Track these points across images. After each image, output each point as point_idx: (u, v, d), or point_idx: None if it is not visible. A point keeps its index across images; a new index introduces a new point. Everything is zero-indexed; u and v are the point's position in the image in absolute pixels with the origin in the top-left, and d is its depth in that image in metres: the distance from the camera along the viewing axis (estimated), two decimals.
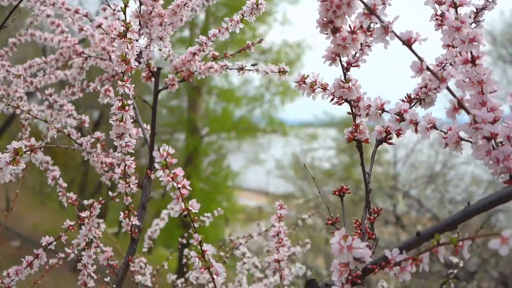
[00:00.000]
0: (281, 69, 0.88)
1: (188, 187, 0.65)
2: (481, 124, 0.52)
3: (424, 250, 0.51)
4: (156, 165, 0.63)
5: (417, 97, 0.71)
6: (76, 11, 1.12)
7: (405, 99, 0.71)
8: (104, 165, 1.06)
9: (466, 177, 7.90)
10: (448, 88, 0.53)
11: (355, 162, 9.88)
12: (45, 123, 1.04)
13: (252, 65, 1.00)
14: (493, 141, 0.55)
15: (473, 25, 0.75)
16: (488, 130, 0.52)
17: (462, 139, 0.56)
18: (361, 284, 0.59)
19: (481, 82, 0.55)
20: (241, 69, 1.01)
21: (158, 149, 0.63)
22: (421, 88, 0.71)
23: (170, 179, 0.64)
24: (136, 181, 0.93)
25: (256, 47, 1.00)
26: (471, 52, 0.55)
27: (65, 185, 1.14)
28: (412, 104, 0.71)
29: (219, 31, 0.97)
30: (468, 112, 0.53)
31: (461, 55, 0.57)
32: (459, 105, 0.53)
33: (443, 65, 0.71)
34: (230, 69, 1.03)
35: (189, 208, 0.66)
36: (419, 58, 0.52)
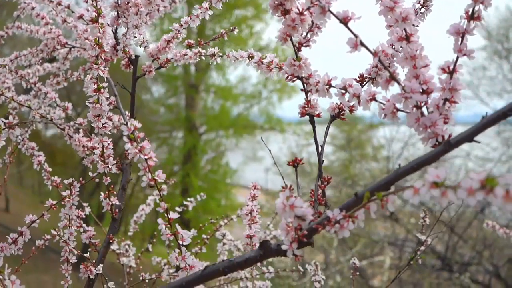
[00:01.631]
0: (250, 55, 0.93)
1: (155, 159, 0.71)
2: (410, 93, 0.57)
3: (359, 207, 0.56)
4: (125, 138, 0.69)
5: (369, 76, 0.76)
6: (59, 3, 1.17)
7: (358, 78, 0.77)
8: (85, 149, 1.11)
9: (461, 172, 7.98)
10: (380, 61, 0.58)
11: (352, 158, 9.95)
12: (31, 110, 1.10)
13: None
14: (425, 109, 0.60)
15: (423, 9, 0.80)
16: (417, 99, 0.58)
17: (398, 109, 0.62)
18: (308, 244, 0.64)
19: (414, 57, 0.60)
20: (213, 55, 1.06)
21: (126, 124, 0.69)
22: (372, 67, 0.76)
23: (138, 151, 0.69)
24: (115, 162, 0.99)
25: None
26: (405, 30, 0.61)
27: (50, 169, 1.19)
28: (365, 82, 0.76)
29: (190, 18, 1.03)
30: (399, 83, 0.59)
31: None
32: (391, 77, 0.58)
33: (393, 46, 0.77)
34: (203, 55, 1.08)
35: (156, 178, 0.71)
36: (355, 34, 0.58)
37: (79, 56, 1.33)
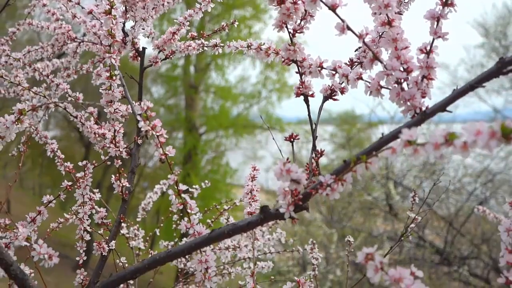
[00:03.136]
0: (249, 44, 1.01)
1: (165, 136, 0.78)
2: (391, 71, 0.65)
3: (347, 170, 0.64)
4: (138, 117, 0.76)
5: (358, 60, 0.84)
6: (69, 0, 1.25)
7: (348, 62, 0.84)
8: (97, 136, 1.19)
9: (460, 168, 8.07)
10: (364, 43, 0.66)
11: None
12: (45, 99, 1.17)
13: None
14: (406, 86, 0.68)
15: None
16: (397, 76, 0.65)
17: (381, 86, 0.70)
18: (303, 208, 0.72)
19: (395, 40, 0.68)
20: (215, 45, 1.14)
21: (140, 104, 0.76)
22: (361, 52, 0.84)
23: (150, 129, 0.77)
24: (125, 146, 1.07)
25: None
26: (387, 15, 0.69)
27: (62, 156, 1.26)
28: (354, 66, 0.84)
29: (194, 11, 1.11)
30: (381, 62, 0.66)
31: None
32: (374, 57, 0.66)
33: (379, 33, 0.84)
34: (206, 47, 1.16)
35: (167, 152, 0.79)
36: (342, 20, 0.66)
37: (88, 50, 1.41)
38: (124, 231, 1.47)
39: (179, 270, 1.54)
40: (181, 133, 11.96)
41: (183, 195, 0.80)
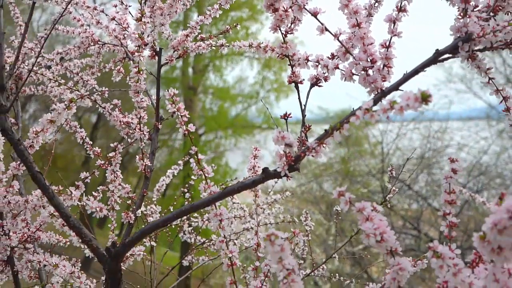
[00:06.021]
0: (250, 44, 1.22)
1: (187, 115, 1.00)
2: (359, 61, 0.87)
3: (326, 136, 0.85)
4: (167, 101, 0.98)
5: (337, 54, 1.05)
6: (95, 8, 1.46)
7: (330, 56, 1.06)
8: (121, 123, 1.40)
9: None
10: (339, 41, 0.88)
11: (351, 156, 10.26)
12: (76, 91, 1.38)
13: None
14: (371, 72, 0.89)
15: (376, 4, 1.09)
16: (364, 65, 0.87)
17: (353, 73, 0.91)
18: (295, 169, 0.93)
19: (363, 37, 0.90)
20: (221, 45, 1.35)
21: (168, 91, 0.98)
22: (339, 47, 1.05)
23: (176, 110, 0.98)
24: (148, 130, 1.28)
25: None
26: (356, 19, 0.90)
27: (90, 142, 1.48)
28: (336, 58, 1.05)
29: (204, 17, 1.32)
30: (351, 55, 0.88)
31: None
32: (346, 51, 0.88)
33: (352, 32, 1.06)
34: (214, 46, 1.37)
35: (189, 129, 1.00)
36: (321, 23, 0.87)
37: (109, 51, 1.62)
38: (142, 209, 1.68)
39: (191, 244, 1.75)
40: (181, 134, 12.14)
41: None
